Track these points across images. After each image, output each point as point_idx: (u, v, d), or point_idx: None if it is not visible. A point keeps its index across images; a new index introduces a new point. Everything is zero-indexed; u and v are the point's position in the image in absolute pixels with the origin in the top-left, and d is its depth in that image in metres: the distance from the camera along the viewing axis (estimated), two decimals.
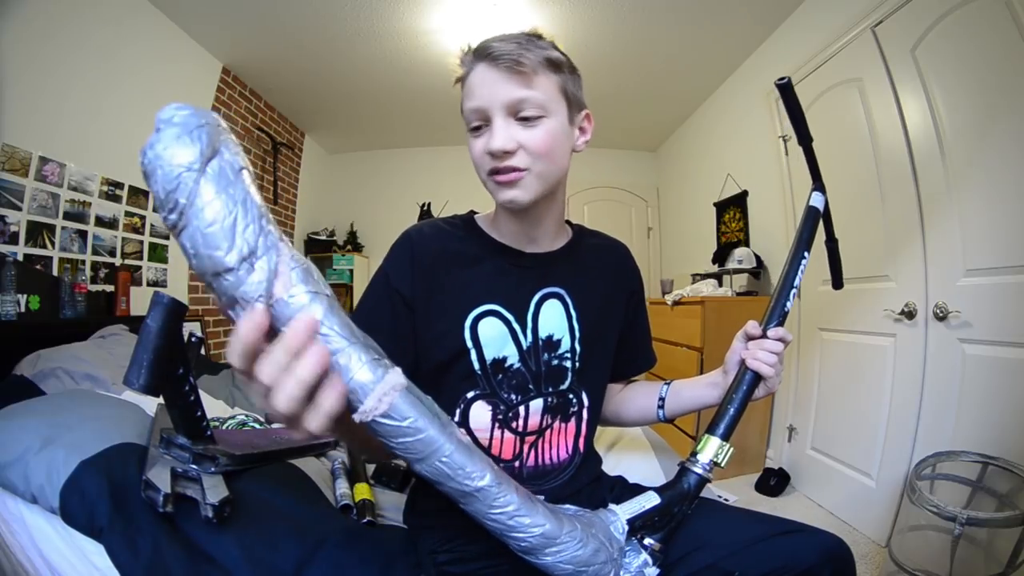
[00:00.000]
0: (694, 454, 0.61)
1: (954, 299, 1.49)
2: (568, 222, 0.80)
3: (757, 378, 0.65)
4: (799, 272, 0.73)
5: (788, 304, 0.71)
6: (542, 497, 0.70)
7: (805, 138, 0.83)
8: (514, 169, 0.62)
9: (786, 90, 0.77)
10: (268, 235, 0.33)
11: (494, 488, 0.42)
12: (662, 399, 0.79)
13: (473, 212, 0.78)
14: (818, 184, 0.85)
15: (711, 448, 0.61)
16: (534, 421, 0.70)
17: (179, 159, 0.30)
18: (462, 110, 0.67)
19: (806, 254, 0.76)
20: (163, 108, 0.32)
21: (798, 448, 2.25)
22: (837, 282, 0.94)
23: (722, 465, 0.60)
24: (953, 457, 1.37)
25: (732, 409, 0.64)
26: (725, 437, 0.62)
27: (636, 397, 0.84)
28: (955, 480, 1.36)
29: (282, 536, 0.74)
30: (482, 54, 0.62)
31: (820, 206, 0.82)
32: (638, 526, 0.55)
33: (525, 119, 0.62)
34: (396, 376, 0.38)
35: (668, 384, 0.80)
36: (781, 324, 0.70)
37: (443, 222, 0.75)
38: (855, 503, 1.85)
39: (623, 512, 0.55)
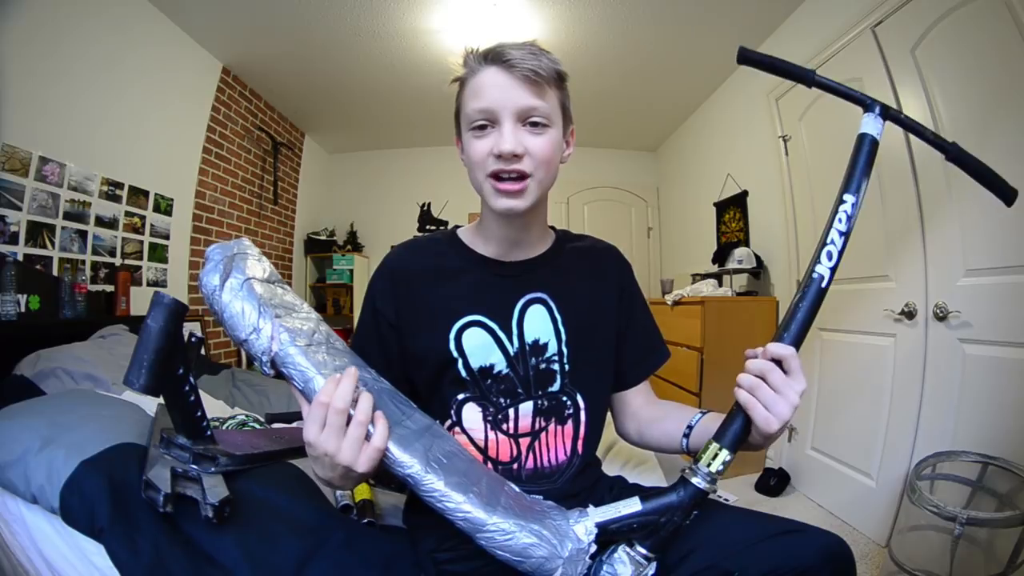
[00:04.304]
0: (696, 462, 0.56)
1: (954, 299, 1.49)
2: (552, 227, 0.81)
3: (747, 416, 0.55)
4: (832, 225, 0.58)
5: (821, 272, 0.57)
6: (539, 497, 0.70)
7: (807, 79, 0.67)
8: (520, 174, 0.64)
9: (748, 59, 0.66)
10: (265, 315, 0.54)
11: (420, 475, 0.51)
12: (690, 427, 0.70)
13: (456, 227, 0.80)
14: (868, 102, 0.64)
15: (708, 454, 0.55)
16: (525, 423, 0.71)
17: (210, 285, 0.54)
18: (460, 109, 0.68)
19: (846, 197, 0.59)
20: (209, 248, 0.57)
21: (798, 448, 2.25)
22: (1002, 194, 0.65)
23: (717, 473, 0.55)
24: (953, 457, 1.37)
25: (736, 424, 0.55)
26: (731, 448, 0.55)
27: (664, 420, 0.76)
28: (955, 480, 1.36)
29: (282, 536, 0.74)
30: (496, 58, 0.63)
31: (876, 131, 0.62)
32: (613, 530, 0.54)
33: (533, 126, 0.64)
34: (331, 381, 0.52)
35: (704, 414, 0.70)
36: (821, 298, 0.57)
37: (425, 239, 0.78)
38: (855, 503, 1.85)
39: (596, 515, 0.55)
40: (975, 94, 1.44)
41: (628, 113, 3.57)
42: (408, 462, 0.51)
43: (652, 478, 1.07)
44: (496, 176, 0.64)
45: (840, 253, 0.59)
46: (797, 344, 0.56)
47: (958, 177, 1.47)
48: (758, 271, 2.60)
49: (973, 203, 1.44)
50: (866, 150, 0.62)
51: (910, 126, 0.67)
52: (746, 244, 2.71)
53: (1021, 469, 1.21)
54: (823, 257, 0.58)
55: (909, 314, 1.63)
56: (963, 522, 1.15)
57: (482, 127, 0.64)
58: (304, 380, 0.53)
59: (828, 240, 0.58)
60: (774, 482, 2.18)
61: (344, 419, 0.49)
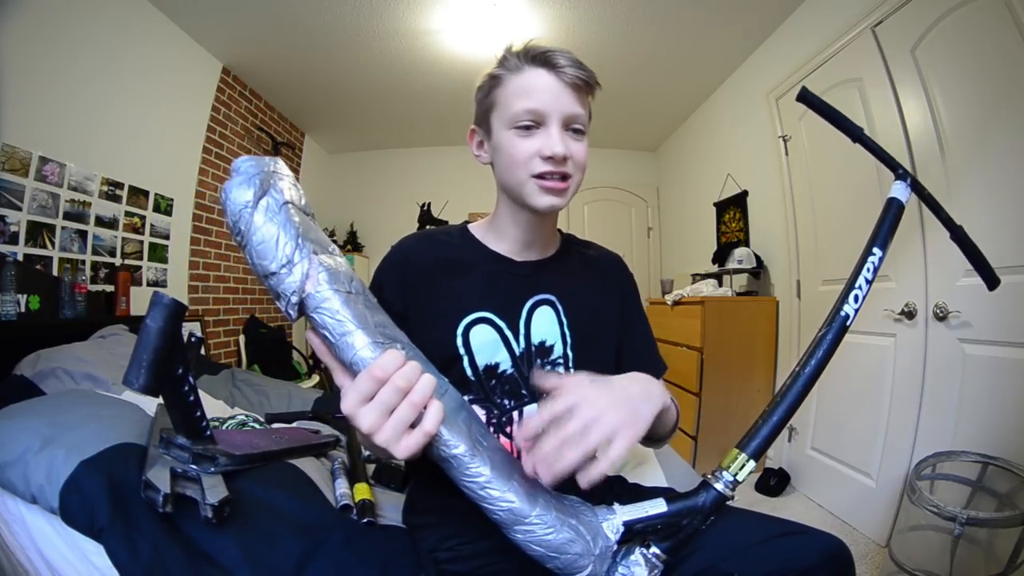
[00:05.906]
0: (719, 468, 0.57)
1: (954, 299, 1.49)
2: (559, 231, 0.81)
3: None
4: (861, 272, 0.66)
5: (847, 311, 0.64)
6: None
7: (854, 134, 0.76)
8: (564, 175, 0.66)
9: (807, 100, 0.71)
10: (303, 248, 0.46)
11: (467, 458, 0.47)
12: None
13: (467, 222, 0.79)
14: (900, 172, 0.73)
15: (736, 464, 0.56)
16: None
17: (239, 200, 0.45)
18: (496, 105, 0.67)
19: (875, 250, 0.67)
20: (237, 159, 0.48)
21: (798, 448, 2.25)
22: (988, 279, 0.79)
23: (740, 481, 0.56)
24: (953, 457, 1.37)
25: (773, 421, 0.58)
26: (755, 456, 0.57)
27: None
28: (955, 480, 1.36)
29: (282, 536, 0.74)
30: (544, 61, 0.64)
31: (904, 198, 0.71)
32: (638, 530, 0.54)
33: (575, 131, 0.66)
34: (391, 354, 0.46)
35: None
36: (844, 333, 0.63)
37: (437, 232, 0.77)
38: (855, 503, 1.86)
39: (623, 513, 0.55)
40: (975, 94, 1.44)
41: (628, 113, 3.57)
42: (455, 442, 0.47)
43: (652, 478, 1.07)
44: (540, 176, 0.65)
45: (864, 297, 0.65)
46: (820, 370, 0.62)
47: (958, 177, 1.48)
48: (758, 271, 2.60)
49: (973, 203, 1.44)
50: (893, 213, 0.71)
51: (930, 203, 0.78)
52: (746, 244, 2.71)
53: (1021, 469, 1.21)
54: (851, 299, 0.64)
55: (909, 314, 1.63)
56: (963, 522, 1.15)
57: (528, 127, 0.64)
58: (340, 333, 0.46)
59: (856, 284, 0.65)
60: (774, 482, 2.18)
61: (398, 400, 0.43)
